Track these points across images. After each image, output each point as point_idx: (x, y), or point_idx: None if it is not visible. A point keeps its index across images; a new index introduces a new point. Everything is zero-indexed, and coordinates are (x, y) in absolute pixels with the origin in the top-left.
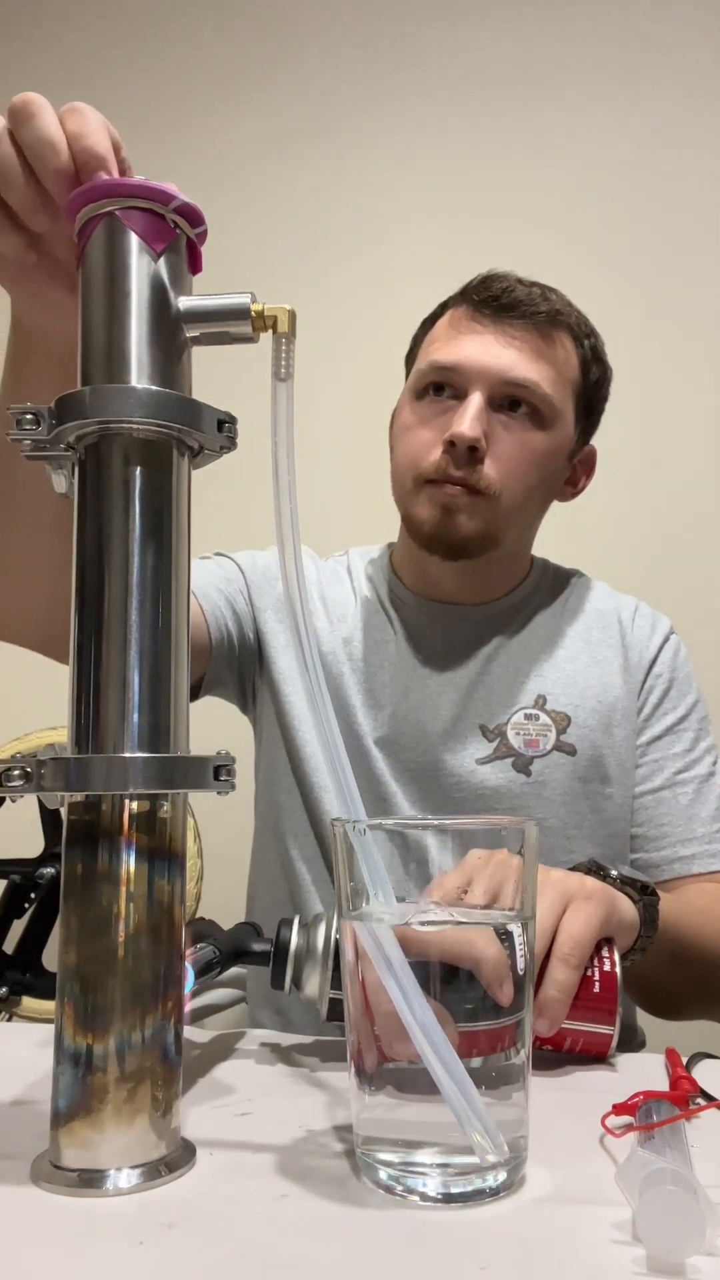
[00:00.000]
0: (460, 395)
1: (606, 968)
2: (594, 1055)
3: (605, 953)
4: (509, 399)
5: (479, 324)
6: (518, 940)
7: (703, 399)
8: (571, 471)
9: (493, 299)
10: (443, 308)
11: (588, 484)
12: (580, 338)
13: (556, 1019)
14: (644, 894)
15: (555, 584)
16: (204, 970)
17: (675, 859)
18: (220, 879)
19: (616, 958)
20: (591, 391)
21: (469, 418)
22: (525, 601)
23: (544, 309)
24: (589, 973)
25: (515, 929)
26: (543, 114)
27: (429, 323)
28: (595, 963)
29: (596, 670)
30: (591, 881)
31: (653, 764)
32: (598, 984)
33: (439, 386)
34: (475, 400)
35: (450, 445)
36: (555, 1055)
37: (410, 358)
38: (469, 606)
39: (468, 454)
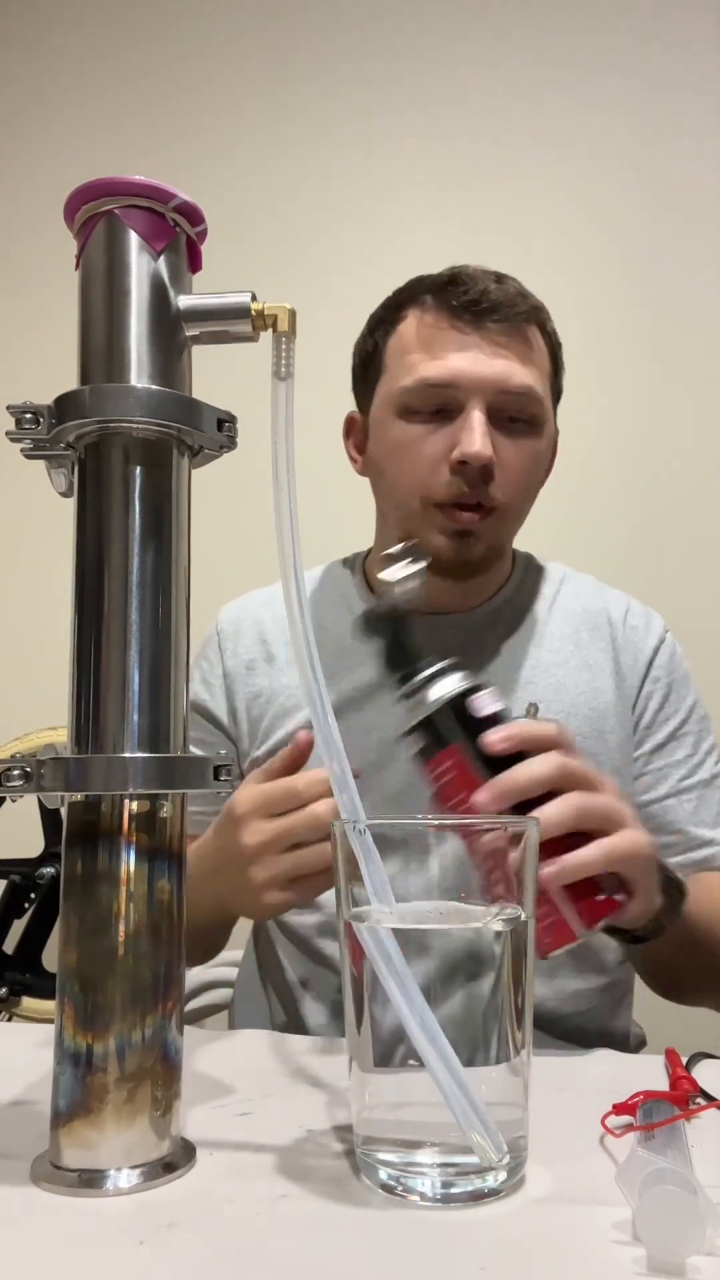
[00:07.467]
0: (454, 409)
1: (611, 898)
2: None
3: (619, 897)
4: (506, 408)
5: (460, 331)
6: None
7: (702, 391)
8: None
9: (472, 303)
10: (399, 309)
11: (554, 461)
12: (545, 324)
13: (561, 877)
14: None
15: (538, 580)
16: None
17: (686, 865)
18: None
19: (618, 913)
20: (559, 374)
21: (479, 436)
22: (510, 601)
23: (523, 308)
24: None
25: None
26: (545, 105)
27: (389, 325)
28: (611, 884)
29: (587, 675)
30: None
31: (657, 773)
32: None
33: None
34: (478, 417)
35: (461, 464)
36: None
37: (368, 363)
38: (458, 614)
39: (480, 472)
